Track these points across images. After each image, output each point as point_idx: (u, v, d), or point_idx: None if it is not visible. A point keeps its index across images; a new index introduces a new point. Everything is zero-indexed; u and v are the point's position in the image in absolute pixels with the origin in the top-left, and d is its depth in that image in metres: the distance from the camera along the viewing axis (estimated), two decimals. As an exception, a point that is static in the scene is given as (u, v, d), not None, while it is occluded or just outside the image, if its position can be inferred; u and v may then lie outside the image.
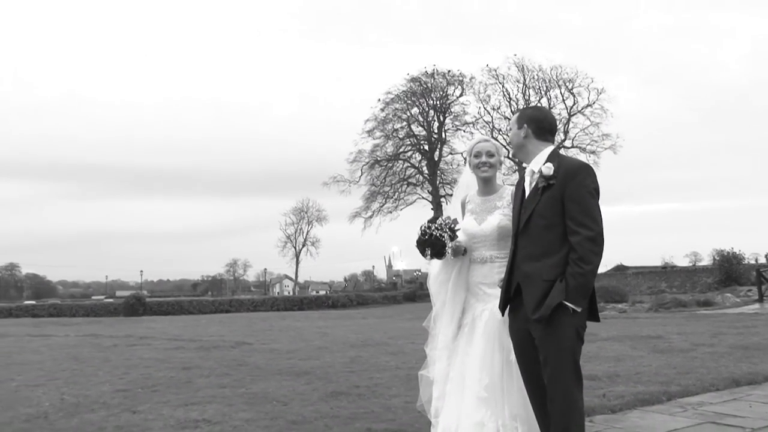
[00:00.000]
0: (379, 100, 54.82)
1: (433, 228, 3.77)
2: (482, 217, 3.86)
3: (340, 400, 5.97)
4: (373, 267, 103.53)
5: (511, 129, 3.61)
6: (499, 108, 53.86)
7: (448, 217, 3.86)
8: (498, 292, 3.59)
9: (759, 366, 7.29)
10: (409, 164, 55.61)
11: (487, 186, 3.90)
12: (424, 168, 55.37)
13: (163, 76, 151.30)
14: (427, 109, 55.52)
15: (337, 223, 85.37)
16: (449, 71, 54.58)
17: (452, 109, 55.43)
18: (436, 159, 54.77)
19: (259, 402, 5.95)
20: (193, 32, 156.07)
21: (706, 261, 56.74)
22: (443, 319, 3.92)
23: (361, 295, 54.68)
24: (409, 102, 55.21)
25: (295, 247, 79.93)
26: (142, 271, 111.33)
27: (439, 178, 54.41)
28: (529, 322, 3.25)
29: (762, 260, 47.03)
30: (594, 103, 50.90)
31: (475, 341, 3.73)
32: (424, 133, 55.72)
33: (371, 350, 10.43)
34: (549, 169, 3.28)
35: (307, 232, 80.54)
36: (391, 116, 55.18)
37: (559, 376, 3.13)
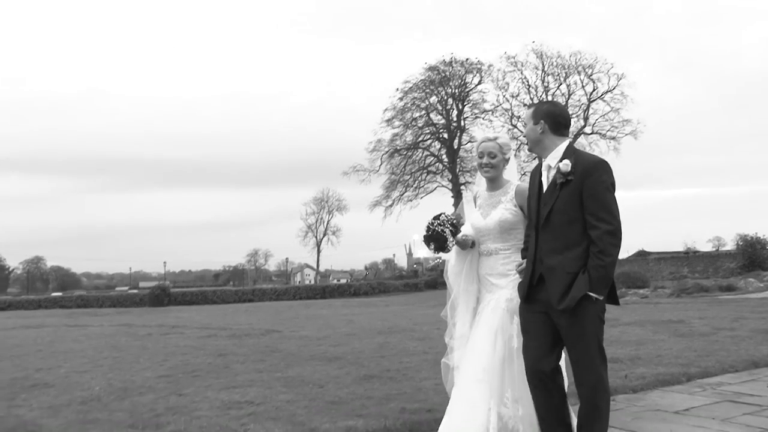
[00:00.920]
0: (397, 89, 54.92)
1: (436, 224, 3.96)
2: (487, 212, 4.03)
3: (373, 383, 6.28)
4: (394, 255, 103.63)
5: (526, 124, 3.71)
6: (517, 95, 53.73)
7: (452, 213, 4.06)
8: (505, 281, 3.86)
9: (778, 348, 7.49)
10: (428, 153, 55.74)
11: (492, 183, 4.06)
12: (444, 156, 55.48)
13: (183, 71, 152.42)
14: (445, 97, 55.51)
15: (358, 212, 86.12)
16: (467, 59, 54.48)
17: (471, 97, 55.38)
18: (456, 147, 54.81)
19: (297, 385, 6.28)
20: (215, 26, 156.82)
21: (729, 246, 56.26)
22: (459, 308, 4.11)
23: (382, 283, 54.99)
24: (428, 91, 55.23)
25: (316, 237, 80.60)
26: (165, 262, 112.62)
27: (458, 166, 54.47)
28: (551, 310, 3.42)
29: (786, 245, 46.63)
30: (614, 88, 50.55)
31: (479, 328, 3.92)
32: (443, 121, 55.77)
33: (398, 336, 10.74)
34: (567, 165, 3.42)
35: (328, 221, 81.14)
36: (409, 105, 55.26)
37: (586, 358, 3.35)
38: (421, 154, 55.35)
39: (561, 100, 52.85)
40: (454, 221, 3.98)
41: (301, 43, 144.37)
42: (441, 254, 4.05)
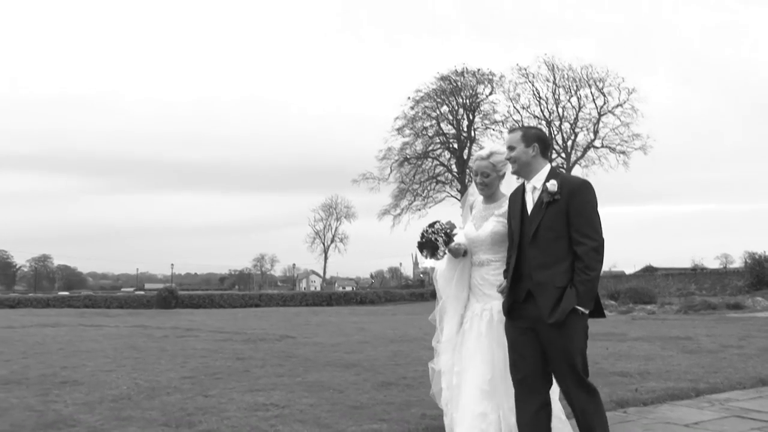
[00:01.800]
0: (408, 98, 55.34)
1: (430, 232, 4.07)
2: (480, 224, 4.15)
3: (391, 390, 6.51)
4: (401, 264, 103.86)
5: (513, 147, 3.79)
6: (528, 107, 54.12)
7: (447, 222, 4.13)
8: (493, 290, 3.98)
9: (785, 367, 7.68)
10: (438, 162, 56.05)
11: (487, 197, 4.20)
12: (453, 166, 55.75)
13: (193, 74, 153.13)
14: (456, 107, 55.84)
15: (366, 219, 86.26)
16: (479, 70, 54.91)
17: (482, 108, 55.73)
18: (465, 157, 55.01)
19: (317, 390, 6.51)
20: (226, 31, 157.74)
21: (737, 263, 56.19)
22: (448, 314, 4.23)
23: (389, 291, 55.21)
24: (439, 100, 55.60)
25: (323, 243, 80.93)
26: (173, 264, 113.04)
27: (468, 176, 54.61)
28: (538, 324, 3.57)
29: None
30: (625, 102, 50.90)
31: (478, 339, 4.01)
32: (453, 131, 56.08)
33: (410, 345, 10.96)
34: (554, 186, 3.62)
35: (336, 228, 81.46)
36: (420, 114, 55.64)
37: (574, 372, 3.51)
38: (430, 164, 55.67)
39: (571, 113, 53.16)
40: (448, 230, 4.08)
41: (313, 50, 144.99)
42: (433, 261, 4.17)
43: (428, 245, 4.07)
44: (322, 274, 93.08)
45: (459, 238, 4.13)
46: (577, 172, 52.75)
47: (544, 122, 53.74)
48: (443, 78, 54.67)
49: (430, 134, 55.81)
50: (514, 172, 3.89)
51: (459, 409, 4.05)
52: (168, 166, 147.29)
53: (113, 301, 46.57)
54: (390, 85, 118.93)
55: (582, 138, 53.39)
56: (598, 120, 52.03)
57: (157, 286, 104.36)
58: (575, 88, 52.29)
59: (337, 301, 48.82)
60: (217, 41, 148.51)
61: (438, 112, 55.59)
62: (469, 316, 4.13)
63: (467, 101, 55.41)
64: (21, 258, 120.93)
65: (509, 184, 4.18)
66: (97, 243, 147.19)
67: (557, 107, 53.34)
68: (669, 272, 42.40)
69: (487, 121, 55.59)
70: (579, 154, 53.14)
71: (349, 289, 77.79)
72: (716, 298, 24.36)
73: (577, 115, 52.79)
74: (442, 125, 55.96)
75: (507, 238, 3.98)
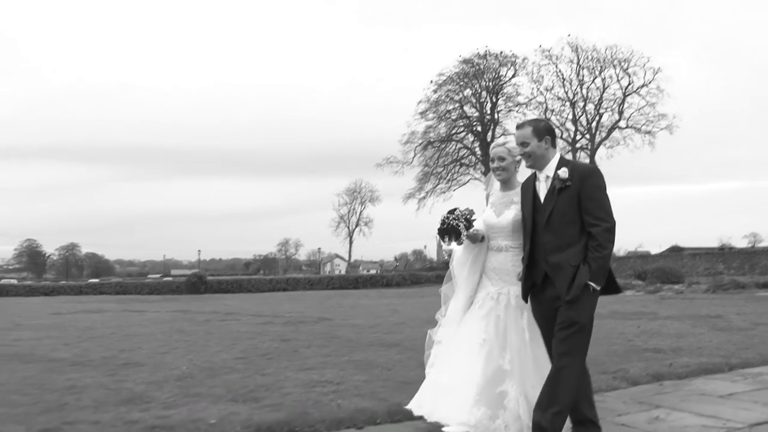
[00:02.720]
0: (431, 81, 55.33)
1: (451, 218, 4.23)
2: (500, 210, 4.29)
3: (436, 367, 6.86)
4: (425, 246, 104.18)
5: (526, 143, 3.96)
6: (552, 88, 53.82)
7: (466, 209, 4.29)
8: (510, 276, 4.19)
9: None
10: (461, 145, 56.12)
11: (505, 183, 4.35)
12: (477, 149, 55.77)
13: (216, 61, 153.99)
14: (479, 90, 55.72)
15: (390, 202, 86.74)
16: (501, 52, 54.68)
17: (505, 90, 55.57)
18: (489, 140, 54.93)
19: (366, 368, 6.89)
20: (247, 17, 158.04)
21: (766, 242, 55.76)
22: (458, 293, 4.42)
23: (414, 274, 55.53)
24: (462, 83, 55.52)
25: (348, 227, 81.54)
26: (200, 250, 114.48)
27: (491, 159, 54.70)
28: (557, 303, 3.81)
29: (824, 241, 46.16)
30: (650, 82, 50.38)
31: (496, 322, 4.18)
32: (476, 114, 56.03)
33: (445, 326, 11.29)
34: (565, 173, 3.84)
35: (360, 212, 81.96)
36: (443, 98, 55.64)
37: (571, 341, 3.73)
38: (454, 147, 55.77)
39: (596, 94, 52.80)
40: (468, 216, 4.24)
41: (336, 33, 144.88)
42: (452, 246, 4.36)
43: (449, 231, 4.24)
44: (346, 258, 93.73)
45: (477, 225, 4.30)
46: (601, 153, 52.54)
47: (568, 103, 53.50)
48: (466, 61, 54.53)
49: (453, 117, 55.85)
50: (528, 166, 4.07)
51: (438, 375, 4.30)
52: (192, 153, 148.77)
53: (143, 288, 47.52)
54: (413, 69, 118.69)
55: (607, 119, 53.03)
56: (623, 100, 51.60)
57: (184, 272, 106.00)
58: (600, 68, 51.85)
59: (363, 284, 49.25)
60: (238, 27, 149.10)
61: (461, 96, 55.54)
62: (482, 297, 4.30)
63: (490, 84, 55.25)
64: (50, 247, 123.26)
65: (525, 172, 4.32)
66: (123, 231, 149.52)
67: (581, 88, 53.00)
68: (696, 252, 42.22)
69: (510, 104, 55.47)
70: (603, 135, 52.79)
71: (373, 272, 78.22)
72: (745, 278, 24.37)
73: (601, 95, 52.42)
74: (465, 108, 55.92)
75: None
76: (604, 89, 52.32)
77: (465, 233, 4.21)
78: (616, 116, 52.24)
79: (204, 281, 47.37)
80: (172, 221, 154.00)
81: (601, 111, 52.94)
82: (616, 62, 51.18)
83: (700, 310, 13.31)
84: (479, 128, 55.47)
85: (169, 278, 70.45)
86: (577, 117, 53.55)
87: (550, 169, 3.96)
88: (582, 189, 3.82)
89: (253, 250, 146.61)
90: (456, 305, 4.42)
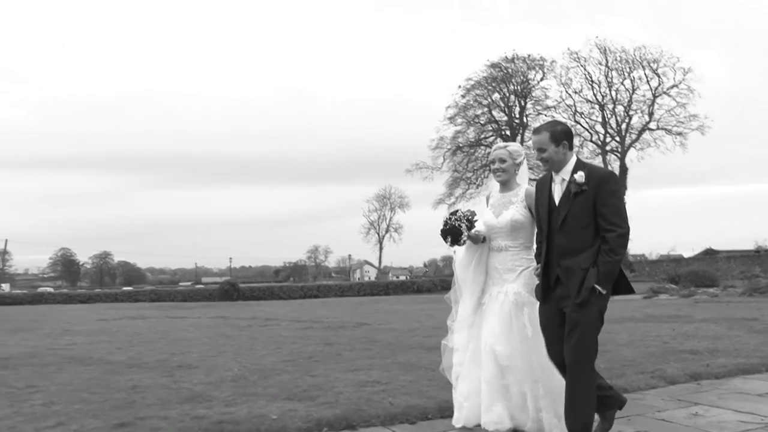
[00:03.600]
0: (459, 86, 55.72)
1: (453, 219, 4.38)
2: (499, 211, 4.46)
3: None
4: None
5: (543, 149, 4.02)
6: (580, 91, 53.81)
7: (468, 210, 4.47)
8: (513, 276, 4.36)
9: None
10: (491, 150, 56.12)
11: (504, 185, 4.53)
12: (512, 150, 55.72)
13: (242, 69, 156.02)
14: (507, 94, 55.88)
15: (420, 208, 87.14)
16: (529, 55, 54.84)
17: (533, 94, 55.76)
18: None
19: (411, 369, 7.16)
20: (275, 25, 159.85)
21: (802, 243, 54.76)
22: (465, 296, 4.55)
23: (444, 279, 55.50)
24: (490, 88, 55.71)
25: (378, 233, 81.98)
26: (231, 258, 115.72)
27: (521, 163, 54.65)
28: (564, 303, 3.91)
29: None
30: (680, 83, 50.10)
31: (494, 319, 4.34)
32: (505, 118, 56.17)
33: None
34: (581, 177, 3.89)
35: (390, 218, 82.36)
36: (472, 102, 55.95)
37: (581, 344, 3.82)
38: (483, 152, 55.83)
39: (625, 95, 52.57)
40: (470, 217, 4.40)
41: (363, 40, 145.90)
42: (455, 247, 4.51)
43: (451, 232, 4.40)
44: (376, 264, 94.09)
45: (478, 226, 4.46)
46: (632, 155, 52.24)
47: (597, 106, 53.34)
48: (494, 65, 54.77)
49: (482, 122, 56.08)
50: (546, 170, 4.14)
51: (479, 382, 4.38)
52: (221, 161, 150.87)
53: (177, 295, 48.18)
54: (441, 74, 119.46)
55: (636, 120, 52.80)
56: (653, 102, 51.38)
57: (214, 279, 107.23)
58: (628, 70, 51.75)
59: (394, 291, 49.54)
60: (263, 37, 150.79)
61: (489, 100, 55.74)
62: (487, 299, 4.47)
63: (518, 88, 55.38)
64: (84, 255, 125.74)
65: (523, 175, 4.56)
66: (154, 238, 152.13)
67: (610, 90, 52.88)
68: (731, 255, 41.76)
69: (539, 107, 55.66)
70: (634, 137, 52.56)
71: (402, 278, 78.56)
72: (782, 280, 24.04)
73: (630, 97, 52.23)
74: (493, 113, 56.13)
75: (525, 225, 4.39)
76: (634, 90, 52.14)
77: (466, 234, 4.37)
78: (646, 118, 52.03)
79: (237, 288, 47.97)
80: (202, 229, 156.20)
81: (631, 113, 52.77)
82: (645, 63, 51.04)
83: (736, 313, 13.34)
84: (508, 132, 55.51)
85: (201, 286, 71.39)
86: (607, 119, 53.39)
87: (566, 171, 4.00)
88: (598, 194, 3.87)
89: (282, 257, 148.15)
90: (464, 308, 4.56)
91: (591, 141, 54.21)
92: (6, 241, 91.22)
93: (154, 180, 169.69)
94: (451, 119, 55.78)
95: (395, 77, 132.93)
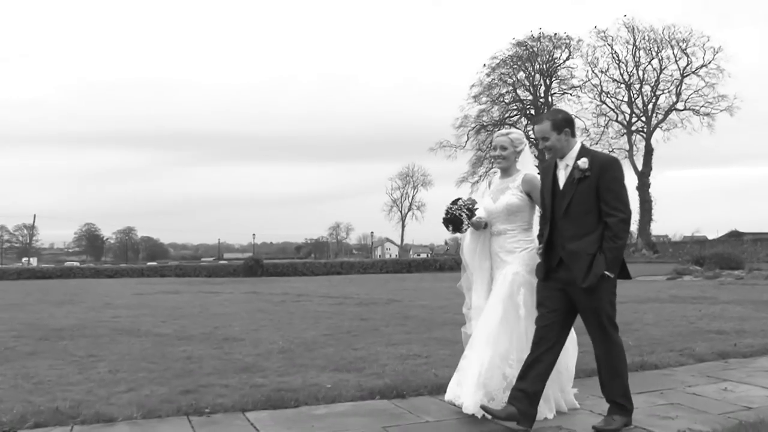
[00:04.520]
0: (484, 65, 55.51)
1: (453, 208, 4.54)
2: (497, 197, 4.60)
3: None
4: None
5: (546, 138, 4.14)
6: (607, 70, 53.35)
7: (469, 198, 4.61)
8: (511, 257, 4.47)
9: None
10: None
11: (504, 172, 4.67)
12: (531, 133, 55.46)
13: (265, 51, 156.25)
14: (533, 73, 55.60)
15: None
16: (555, 34, 54.48)
17: (559, 73, 55.42)
18: (543, 124, 54.78)
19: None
20: (300, 10, 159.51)
21: (829, 226, 54.14)
22: (476, 283, 4.69)
23: (467, 258, 55.82)
24: (515, 67, 55.46)
25: (400, 211, 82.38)
26: (254, 234, 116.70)
27: (545, 143, 54.49)
28: (570, 286, 4.03)
29: None
30: (710, 63, 49.48)
31: (491, 300, 4.50)
32: (530, 97, 55.95)
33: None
34: (585, 163, 4.00)
35: (413, 196, 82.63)
36: (496, 81, 55.71)
37: (600, 328, 4.02)
38: (507, 131, 55.67)
39: (652, 75, 52.05)
40: (470, 205, 4.55)
41: (386, 19, 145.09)
42: (457, 234, 4.68)
43: (453, 221, 4.57)
44: (397, 242, 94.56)
45: (480, 213, 4.61)
46: (658, 135, 51.86)
47: (623, 85, 52.86)
48: (519, 44, 54.45)
49: (506, 101, 55.90)
50: (551, 158, 4.25)
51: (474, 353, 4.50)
52: (244, 139, 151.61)
53: (201, 270, 48.58)
54: (466, 53, 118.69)
55: (663, 101, 52.32)
56: (681, 82, 50.84)
57: (236, 255, 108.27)
58: (657, 49, 51.24)
59: (416, 268, 49.68)
60: (288, 18, 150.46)
61: (514, 79, 55.50)
62: (494, 285, 4.60)
63: (544, 66, 55.07)
64: (107, 231, 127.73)
65: (524, 162, 4.68)
66: (176, 215, 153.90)
67: (637, 70, 52.39)
68: (757, 237, 41.51)
69: (564, 87, 55.38)
70: (660, 117, 52.11)
71: (424, 255, 78.89)
72: (808, 263, 24.02)
73: (658, 77, 51.72)
74: (518, 92, 55.91)
75: (521, 209, 4.52)
76: (661, 70, 51.64)
77: (467, 222, 4.55)
78: (674, 98, 51.54)
79: (261, 264, 48.33)
80: (224, 205, 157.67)
81: (658, 93, 52.31)
82: (674, 42, 50.48)
83: (761, 296, 13.48)
84: (533, 111, 55.29)
85: (225, 261, 72.15)
86: (633, 99, 52.96)
87: (570, 157, 4.12)
88: (601, 179, 3.98)
89: (303, 234, 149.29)
90: (477, 296, 4.70)
91: (617, 121, 53.88)
92: (35, 216, 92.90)
93: (178, 157, 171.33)
94: (476, 98, 55.69)
95: (419, 57, 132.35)
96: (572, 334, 4.43)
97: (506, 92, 55.96)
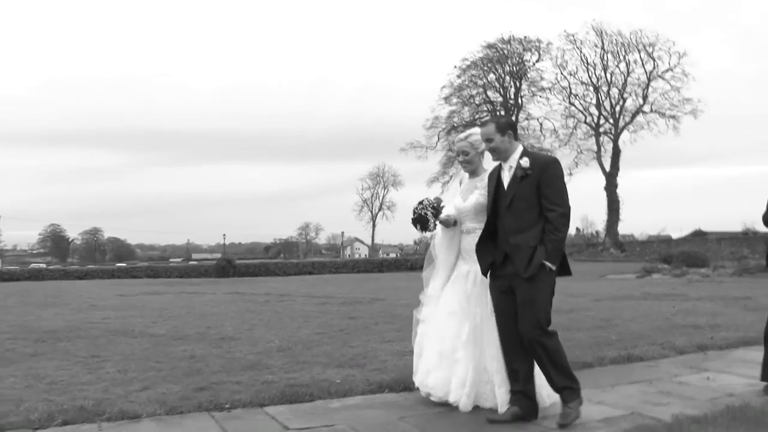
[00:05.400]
0: (455, 66, 56.05)
1: (419, 208, 4.78)
2: (466, 196, 4.79)
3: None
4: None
5: (490, 139, 4.41)
6: (576, 73, 54.36)
7: (435, 198, 4.84)
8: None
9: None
10: (485, 130, 56.66)
11: (472, 173, 4.87)
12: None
13: (239, 55, 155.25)
14: (503, 75, 56.31)
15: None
16: (525, 37, 55.23)
17: (529, 75, 56.17)
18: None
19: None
20: (266, 11, 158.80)
21: (789, 225, 55.66)
22: (438, 273, 4.95)
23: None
24: (486, 68, 56.14)
25: (371, 211, 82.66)
26: (224, 234, 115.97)
27: (514, 143, 55.24)
28: (514, 280, 4.24)
29: None
30: (675, 67, 50.74)
31: (464, 297, 4.69)
32: (500, 99, 56.64)
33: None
34: (526, 162, 4.29)
35: (383, 196, 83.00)
36: (467, 83, 56.38)
37: (533, 318, 4.18)
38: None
39: (620, 78, 53.17)
40: (435, 205, 4.78)
41: (357, 18, 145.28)
42: (426, 233, 4.90)
43: (419, 220, 4.81)
44: (366, 242, 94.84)
45: (448, 210, 4.83)
46: (625, 137, 52.99)
47: (591, 88, 53.88)
48: (490, 46, 55.14)
49: (477, 102, 56.57)
50: (495, 160, 4.51)
51: (425, 350, 4.88)
52: (211, 139, 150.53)
53: (173, 271, 47.96)
54: (437, 54, 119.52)
55: (630, 103, 53.46)
56: (648, 85, 52.03)
57: (205, 255, 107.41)
58: (624, 53, 52.35)
59: (387, 268, 49.96)
60: (258, 20, 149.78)
61: (485, 81, 56.19)
62: (455, 276, 4.83)
63: (514, 69, 55.81)
64: (73, 232, 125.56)
65: (490, 159, 4.77)
66: (143, 215, 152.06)
67: (605, 73, 53.45)
68: (721, 236, 42.66)
69: (534, 89, 56.11)
70: (627, 119, 53.24)
71: (393, 255, 79.21)
72: (770, 261, 24.78)
73: (625, 80, 52.84)
74: (489, 93, 56.61)
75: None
76: (629, 74, 52.76)
77: (433, 221, 4.79)
78: (641, 101, 52.70)
79: (233, 265, 48.18)
80: (191, 206, 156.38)
81: (625, 95, 53.40)
82: (641, 46, 51.63)
83: (729, 292, 14.03)
84: (503, 113, 55.94)
85: (194, 262, 71.51)
86: (601, 101, 54.03)
87: (513, 159, 4.39)
88: (541, 177, 4.25)
89: (272, 234, 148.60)
90: (435, 284, 4.98)
91: (585, 123, 54.88)
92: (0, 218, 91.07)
93: (144, 157, 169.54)
94: (447, 99, 56.28)
95: (390, 58, 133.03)
96: None
97: (476, 94, 56.66)
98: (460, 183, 5.03)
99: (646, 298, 13.43)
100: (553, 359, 4.24)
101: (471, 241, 4.70)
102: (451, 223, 4.81)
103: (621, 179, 53.12)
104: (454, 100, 56.31)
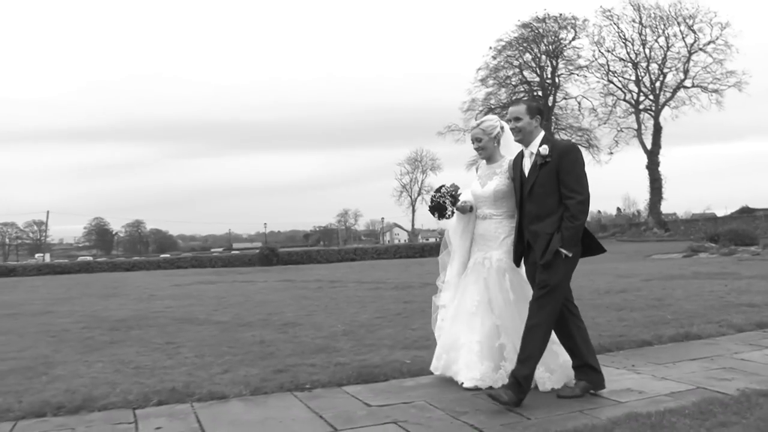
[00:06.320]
0: (490, 48, 55.71)
1: (437, 196, 4.82)
2: (484, 182, 4.82)
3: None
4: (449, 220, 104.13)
5: (519, 119, 4.47)
6: (613, 49, 53.43)
7: (452, 185, 4.88)
8: (496, 243, 4.74)
9: None
10: (522, 111, 56.26)
11: (489, 159, 4.89)
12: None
13: (277, 47, 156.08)
14: (539, 54, 55.75)
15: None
16: (561, 14, 54.50)
17: (565, 54, 55.49)
18: (551, 104, 55.06)
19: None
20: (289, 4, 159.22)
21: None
22: (453, 259, 5.02)
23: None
24: (521, 48, 55.61)
25: (410, 196, 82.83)
26: (266, 223, 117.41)
27: (553, 123, 54.78)
28: (537, 267, 4.34)
29: None
30: (717, 39, 49.45)
31: (482, 284, 4.77)
32: (537, 79, 56.12)
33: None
34: (546, 149, 4.34)
35: (422, 180, 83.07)
36: (503, 64, 55.94)
37: (545, 299, 4.24)
38: (515, 113, 55.90)
39: (659, 53, 52.13)
40: (453, 192, 4.82)
41: (390, 9, 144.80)
42: (444, 220, 4.92)
43: (438, 208, 4.86)
44: (406, 227, 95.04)
45: (466, 196, 4.87)
46: (666, 113, 52.03)
47: (630, 64, 52.96)
48: (524, 25, 54.55)
49: (513, 83, 56.13)
50: (517, 140, 4.56)
51: (452, 335, 4.96)
52: (250, 128, 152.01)
53: (216, 261, 48.81)
54: (472, 36, 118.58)
55: (671, 78, 52.41)
56: (689, 59, 50.88)
57: (246, 245, 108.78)
58: (663, 27, 51.25)
59: (429, 253, 50.14)
60: (292, 12, 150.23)
61: (521, 61, 55.70)
62: (472, 263, 4.90)
63: (550, 47, 55.19)
64: (116, 224, 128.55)
65: (507, 146, 4.87)
66: (182, 206, 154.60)
67: (644, 48, 52.47)
68: (769, 212, 41.78)
69: (571, 67, 55.44)
70: (668, 95, 52.23)
71: (432, 240, 79.32)
72: (823, 237, 24.35)
73: (665, 55, 51.81)
74: (525, 73, 56.12)
75: (507, 195, 4.74)
76: (668, 48, 51.72)
77: (451, 208, 4.84)
78: (681, 75, 51.61)
79: (276, 253, 48.83)
80: (230, 196, 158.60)
81: (665, 70, 52.38)
82: (680, 19, 50.47)
83: (782, 270, 13.94)
84: (540, 93, 55.50)
85: (236, 251, 72.54)
86: (641, 78, 53.12)
87: (534, 145, 4.44)
88: (561, 164, 4.28)
89: (311, 221, 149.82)
90: (452, 271, 5.06)
91: (624, 100, 54.06)
92: (48, 212, 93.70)
93: (184, 149, 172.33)
94: (483, 81, 55.95)
95: (426, 43, 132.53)
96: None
97: (513, 74, 56.22)
98: (477, 169, 5.07)
99: (696, 277, 13.42)
100: (534, 345, 4.30)
101: (486, 227, 4.81)
102: (467, 209, 4.88)
103: (663, 157, 52.30)
104: (491, 82, 56.01)
